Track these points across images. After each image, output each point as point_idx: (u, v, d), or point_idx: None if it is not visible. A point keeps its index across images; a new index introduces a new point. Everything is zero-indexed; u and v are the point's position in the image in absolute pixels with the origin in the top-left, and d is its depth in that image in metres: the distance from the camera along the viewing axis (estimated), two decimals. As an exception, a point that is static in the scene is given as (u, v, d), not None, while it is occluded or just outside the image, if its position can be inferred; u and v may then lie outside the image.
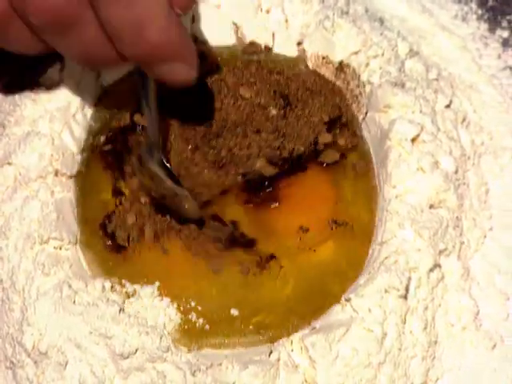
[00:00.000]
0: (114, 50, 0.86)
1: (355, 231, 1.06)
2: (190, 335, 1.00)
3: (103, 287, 0.99)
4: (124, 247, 1.05)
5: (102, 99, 1.15)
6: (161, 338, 0.96)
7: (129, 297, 1.00)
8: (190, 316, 1.01)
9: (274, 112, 1.10)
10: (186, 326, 1.00)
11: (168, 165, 1.05)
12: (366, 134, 1.14)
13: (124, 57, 0.87)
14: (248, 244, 1.05)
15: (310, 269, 1.04)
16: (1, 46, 0.95)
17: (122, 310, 0.98)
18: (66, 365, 0.95)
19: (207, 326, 1.01)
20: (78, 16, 0.82)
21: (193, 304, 1.01)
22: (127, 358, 0.95)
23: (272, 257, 1.04)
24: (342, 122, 1.13)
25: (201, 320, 1.01)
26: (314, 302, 1.02)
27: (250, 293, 1.02)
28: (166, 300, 1.00)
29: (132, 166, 1.08)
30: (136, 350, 0.95)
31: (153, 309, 0.99)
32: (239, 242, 1.05)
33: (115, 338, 0.95)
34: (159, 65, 0.87)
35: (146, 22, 0.82)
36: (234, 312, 1.01)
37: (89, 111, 1.13)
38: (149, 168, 1.03)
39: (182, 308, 1.01)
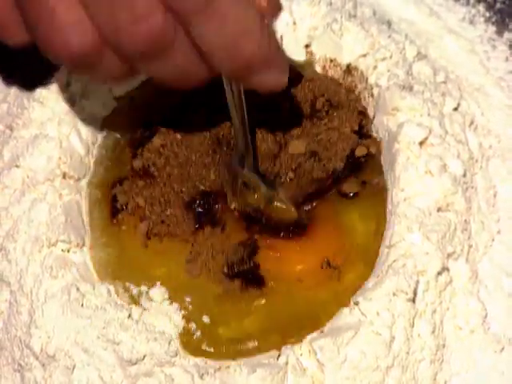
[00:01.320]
0: (206, 67, 0.86)
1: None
2: (196, 343, 1.00)
3: (110, 291, 0.99)
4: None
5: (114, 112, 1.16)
6: (169, 343, 0.96)
7: (137, 302, 1.00)
8: (196, 323, 1.01)
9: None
10: (192, 334, 1.00)
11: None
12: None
13: (216, 72, 0.86)
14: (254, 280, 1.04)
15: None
16: (89, 77, 0.95)
17: (130, 315, 0.98)
18: (73, 369, 0.95)
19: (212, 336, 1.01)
20: (172, 39, 0.81)
21: (200, 312, 1.02)
22: (135, 364, 0.95)
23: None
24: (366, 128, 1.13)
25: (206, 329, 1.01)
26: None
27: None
28: (175, 305, 1.00)
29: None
30: (144, 357, 0.95)
31: (161, 314, 0.99)
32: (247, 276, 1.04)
33: (123, 344, 0.95)
34: (253, 76, 0.86)
35: (240, 36, 0.81)
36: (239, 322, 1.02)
37: (97, 114, 1.13)
38: (242, 177, 1.04)
39: (188, 315, 1.01)
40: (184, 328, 1.00)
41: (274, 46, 0.86)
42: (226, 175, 1.06)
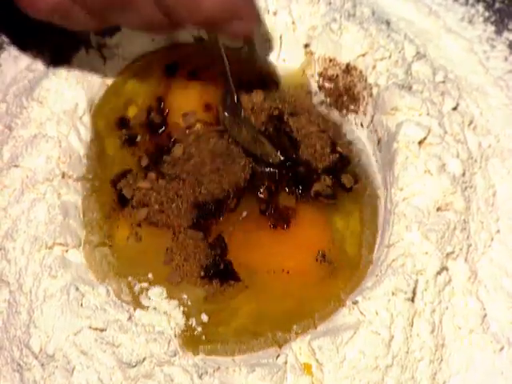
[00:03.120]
0: (172, 21, 0.88)
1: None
2: (196, 340, 1.00)
3: (109, 291, 0.99)
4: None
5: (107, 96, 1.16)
6: (169, 343, 0.96)
7: (136, 301, 1.01)
8: (195, 321, 1.01)
9: None
10: (192, 332, 1.00)
11: None
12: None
13: (181, 25, 0.89)
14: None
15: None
16: (63, 25, 0.96)
17: (129, 316, 0.98)
18: (72, 371, 0.95)
19: (212, 332, 1.01)
20: None
21: (198, 308, 1.02)
22: (135, 366, 0.95)
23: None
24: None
25: (205, 326, 1.01)
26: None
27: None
28: (174, 302, 1.00)
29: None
30: (144, 359, 0.95)
31: (161, 313, 0.99)
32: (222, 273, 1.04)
33: (123, 346, 0.95)
34: (219, 27, 0.89)
35: None
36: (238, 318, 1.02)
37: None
38: (238, 117, 1.10)
39: (188, 312, 1.01)
40: (184, 325, 1.00)
41: (236, 1, 0.88)
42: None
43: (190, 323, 1.00)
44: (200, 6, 0.84)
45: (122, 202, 1.07)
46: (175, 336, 0.98)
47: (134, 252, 1.05)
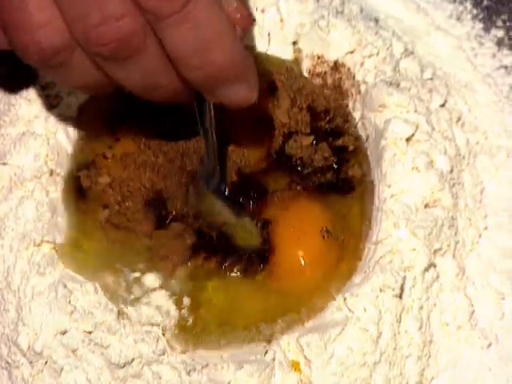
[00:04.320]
0: (177, 77, 0.86)
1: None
2: (186, 334, 1.00)
3: (97, 288, 0.99)
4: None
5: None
6: (157, 342, 0.96)
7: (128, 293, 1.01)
8: (186, 314, 1.01)
9: None
10: (182, 324, 1.00)
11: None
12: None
13: (186, 83, 0.87)
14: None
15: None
16: (62, 81, 0.94)
17: (118, 316, 0.98)
18: (60, 371, 0.95)
19: (203, 326, 1.01)
20: (142, 43, 0.81)
21: (190, 302, 1.02)
22: (123, 367, 0.95)
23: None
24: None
25: (197, 319, 1.01)
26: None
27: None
28: (165, 294, 1.01)
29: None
30: (132, 360, 0.95)
31: (150, 305, 0.99)
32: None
33: (111, 347, 0.95)
34: (222, 87, 0.86)
35: (211, 44, 0.81)
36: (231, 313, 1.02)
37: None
38: (207, 195, 1.05)
39: (179, 304, 1.01)
40: (174, 318, 1.00)
41: (246, 59, 0.86)
42: (192, 193, 1.07)
43: (178, 312, 1.00)
44: (211, 57, 0.82)
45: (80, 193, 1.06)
46: (163, 334, 0.98)
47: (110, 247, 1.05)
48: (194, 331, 1.00)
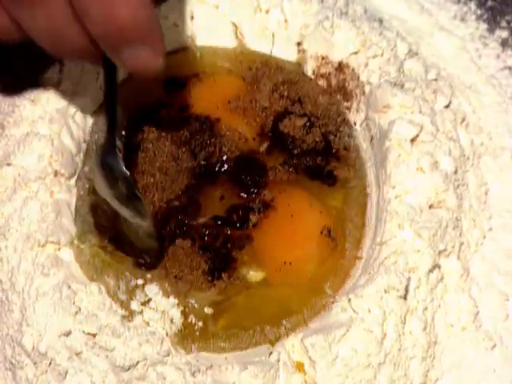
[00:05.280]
0: (81, 32, 0.84)
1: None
2: (190, 338, 1.00)
3: (101, 289, 0.99)
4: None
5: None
6: (161, 343, 0.96)
7: (132, 298, 1.01)
8: (190, 318, 1.01)
9: None
10: (186, 329, 1.00)
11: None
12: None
13: (90, 42, 0.85)
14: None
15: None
16: None
17: (122, 317, 0.98)
18: (65, 375, 0.95)
19: (206, 328, 1.01)
20: None
21: (193, 306, 1.02)
22: (128, 369, 0.95)
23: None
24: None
25: (200, 323, 1.01)
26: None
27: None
28: (171, 300, 1.01)
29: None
30: (137, 363, 0.95)
31: (157, 311, 1.00)
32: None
33: (116, 350, 0.95)
34: (125, 47, 0.85)
35: None
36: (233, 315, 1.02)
37: (88, 112, 1.13)
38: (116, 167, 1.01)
39: (184, 309, 1.01)
40: (178, 323, 1.00)
41: (151, 21, 0.84)
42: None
43: (188, 320, 1.01)
44: (114, 10, 0.80)
45: None
46: (167, 335, 0.98)
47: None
48: (197, 336, 1.00)
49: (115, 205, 0.98)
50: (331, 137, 1.12)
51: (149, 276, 1.03)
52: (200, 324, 1.01)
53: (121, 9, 0.80)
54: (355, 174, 1.11)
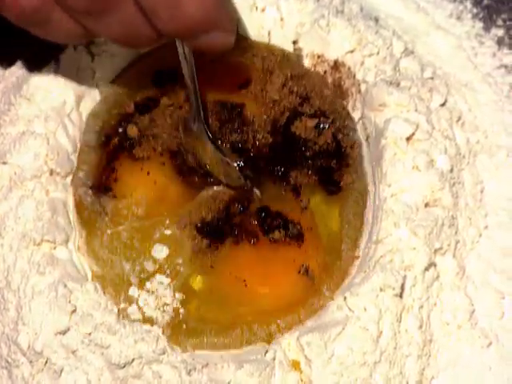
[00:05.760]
0: (153, 27, 0.86)
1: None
2: (186, 334, 1.00)
3: (97, 288, 0.99)
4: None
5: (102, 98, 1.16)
6: (157, 341, 0.96)
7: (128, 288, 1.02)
8: (185, 314, 1.01)
9: None
10: (183, 325, 1.01)
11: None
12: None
13: (161, 32, 0.86)
14: None
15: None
16: (43, 36, 0.93)
17: (117, 315, 0.98)
18: (61, 372, 0.95)
19: (203, 325, 1.01)
20: None
21: (190, 302, 1.02)
22: (124, 367, 0.95)
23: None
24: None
25: (197, 320, 1.02)
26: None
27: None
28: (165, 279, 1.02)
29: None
30: (132, 360, 0.95)
31: (150, 306, 1.00)
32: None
33: (111, 347, 0.95)
34: (198, 36, 0.86)
35: None
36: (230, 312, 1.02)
37: (84, 111, 1.13)
38: (193, 135, 1.08)
39: (179, 304, 1.02)
40: (173, 318, 1.01)
41: (218, 8, 0.85)
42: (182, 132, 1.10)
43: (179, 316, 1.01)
44: (183, 9, 0.81)
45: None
46: (163, 333, 0.98)
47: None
48: (190, 333, 1.00)
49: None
50: (340, 135, 1.12)
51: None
52: (190, 322, 1.01)
53: (188, 6, 0.82)
54: (358, 174, 1.11)
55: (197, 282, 1.03)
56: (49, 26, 0.87)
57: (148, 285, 1.02)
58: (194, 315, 1.02)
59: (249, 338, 1.00)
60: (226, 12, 0.88)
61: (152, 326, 0.99)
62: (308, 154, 1.10)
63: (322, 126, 1.12)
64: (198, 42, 0.88)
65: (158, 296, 1.01)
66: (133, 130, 1.11)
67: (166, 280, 1.02)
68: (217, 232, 1.05)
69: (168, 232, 1.05)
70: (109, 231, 1.06)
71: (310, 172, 1.09)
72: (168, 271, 1.03)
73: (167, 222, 1.06)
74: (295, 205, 1.08)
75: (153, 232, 1.05)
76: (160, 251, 1.04)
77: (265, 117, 1.13)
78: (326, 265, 1.05)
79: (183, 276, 1.03)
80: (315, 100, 1.14)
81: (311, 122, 1.11)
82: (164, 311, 1.01)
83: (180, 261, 1.04)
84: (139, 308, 1.01)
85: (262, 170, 1.10)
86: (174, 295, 1.02)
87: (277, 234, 1.05)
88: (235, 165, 1.08)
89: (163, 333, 0.98)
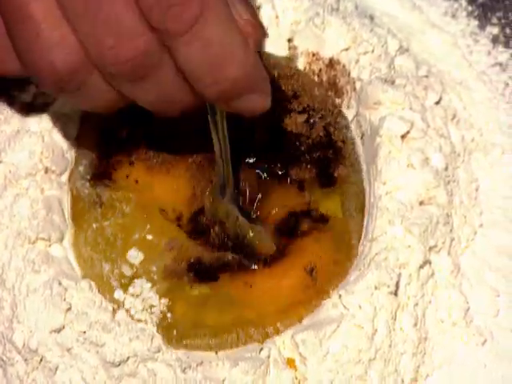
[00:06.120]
0: (192, 92, 0.85)
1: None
2: (181, 332, 1.00)
3: (92, 286, 0.99)
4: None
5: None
6: (152, 339, 0.96)
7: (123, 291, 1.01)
8: (180, 313, 1.01)
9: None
10: (177, 324, 1.00)
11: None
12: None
13: (202, 97, 0.86)
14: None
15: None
16: (78, 103, 0.95)
17: (112, 313, 0.98)
18: (55, 370, 0.95)
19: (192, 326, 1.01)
20: (157, 61, 0.81)
21: (184, 300, 1.02)
22: (118, 365, 0.95)
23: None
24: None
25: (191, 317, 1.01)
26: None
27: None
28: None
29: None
30: (127, 358, 0.95)
31: (145, 305, 1.00)
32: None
33: (106, 346, 0.95)
34: (237, 100, 0.86)
35: (225, 59, 0.80)
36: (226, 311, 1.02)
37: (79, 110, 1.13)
38: (222, 206, 1.05)
39: (174, 304, 1.01)
40: (168, 317, 1.00)
41: (259, 70, 0.86)
42: (207, 204, 1.07)
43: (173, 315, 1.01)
44: (225, 73, 0.81)
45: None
46: (158, 331, 0.98)
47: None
48: (183, 332, 1.00)
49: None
50: (331, 129, 1.12)
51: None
52: (184, 319, 1.01)
53: (231, 69, 0.81)
54: (353, 168, 1.11)
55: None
56: (84, 93, 0.86)
57: (131, 289, 1.01)
58: (184, 319, 1.01)
59: (245, 340, 0.99)
60: (265, 75, 0.88)
61: (147, 324, 0.99)
62: (303, 148, 1.10)
63: (312, 120, 1.12)
64: (236, 105, 0.87)
65: (144, 299, 1.01)
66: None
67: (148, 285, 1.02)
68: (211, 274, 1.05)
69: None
70: (94, 225, 1.05)
71: (308, 166, 1.09)
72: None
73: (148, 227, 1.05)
74: (301, 201, 1.09)
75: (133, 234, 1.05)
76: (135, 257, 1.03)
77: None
78: (332, 263, 1.05)
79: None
80: (304, 97, 1.14)
81: (301, 118, 1.12)
82: (152, 313, 1.00)
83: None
84: (126, 311, 1.00)
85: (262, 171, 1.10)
86: (160, 299, 1.01)
87: (304, 226, 1.06)
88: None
89: (158, 331, 0.98)
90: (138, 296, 1.00)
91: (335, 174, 1.09)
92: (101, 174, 1.08)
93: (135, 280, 1.01)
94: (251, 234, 1.05)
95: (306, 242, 1.06)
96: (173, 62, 0.82)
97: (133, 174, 1.08)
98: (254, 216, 1.08)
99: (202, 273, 1.03)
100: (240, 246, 1.05)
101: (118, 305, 1.00)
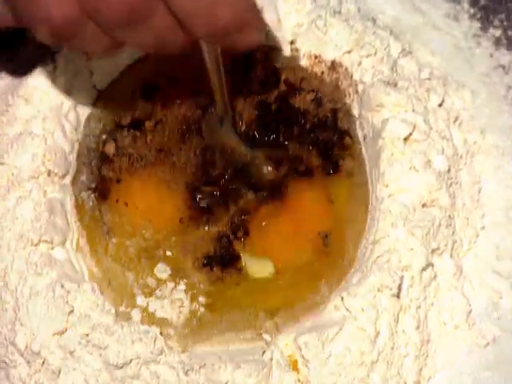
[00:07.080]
0: (184, 33, 0.86)
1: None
2: (184, 331, 1.01)
3: (94, 288, 0.99)
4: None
5: (97, 102, 1.16)
6: (155, 342, 0.96)
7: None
8: (185, 311, 1.02)
9: None
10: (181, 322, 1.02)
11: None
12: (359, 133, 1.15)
13: (195, 37, 0.87)
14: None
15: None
16: (74, 48, 0.96)
17: (115, 315, 0.99)
18: (59, 373, 0.95)
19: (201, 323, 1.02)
20: (150, 10, 0.82)
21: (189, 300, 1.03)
22: (122, 367, 0.95)
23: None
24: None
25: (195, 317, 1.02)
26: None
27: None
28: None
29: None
30: (130, 361, 0.95)
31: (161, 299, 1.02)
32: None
33: (109, 348, 0.95)
34: (229, 37, 0.87)
35: (216, 3, 0.81)
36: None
37: (82, 111, 1.13)
38: (220, 136, 1.09)
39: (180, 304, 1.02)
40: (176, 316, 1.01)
41: (250, 9, 0.87)
42: (208, 137, 1.11)
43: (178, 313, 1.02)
44: (218, 14, 0.82)
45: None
46: (161, 333, 0.98)
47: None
48: (192, 328, 1.01)
49: None
50: (340, 114, 1.14)
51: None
52: (192, 317, 1.02)
53: (223, 10, 0.82)
54: (359, 167, 1.12)
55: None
56: (79, 40, 0.87)
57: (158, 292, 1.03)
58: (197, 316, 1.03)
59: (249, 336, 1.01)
60: (258, 12, 0.89)
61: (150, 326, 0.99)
62: (308, 126, 1.13)
63: (319, 99, 1.15)
64: (229, 42, 0.88)
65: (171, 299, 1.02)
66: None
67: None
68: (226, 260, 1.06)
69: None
70: (114, 240, 1.06)
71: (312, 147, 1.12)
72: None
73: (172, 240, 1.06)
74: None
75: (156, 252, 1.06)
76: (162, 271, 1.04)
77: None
78: (343, 236, 1.07)
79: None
80: (313, 81, 1.16)
81: (310, 96, 1.14)
82: (180, 312, 1.01)
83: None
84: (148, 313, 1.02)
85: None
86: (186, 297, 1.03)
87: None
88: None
89: (161, 333, 0.99)
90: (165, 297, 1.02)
91: (340, 163, 1.12)
92: (103, 191, 1.10)
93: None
94: (249, 158, 1.09)
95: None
96: (165, 8, 0.83)
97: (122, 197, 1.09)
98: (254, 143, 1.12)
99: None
100: (243, 175, 1.09)
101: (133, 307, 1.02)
